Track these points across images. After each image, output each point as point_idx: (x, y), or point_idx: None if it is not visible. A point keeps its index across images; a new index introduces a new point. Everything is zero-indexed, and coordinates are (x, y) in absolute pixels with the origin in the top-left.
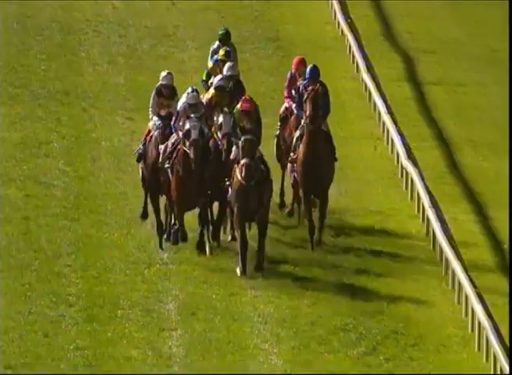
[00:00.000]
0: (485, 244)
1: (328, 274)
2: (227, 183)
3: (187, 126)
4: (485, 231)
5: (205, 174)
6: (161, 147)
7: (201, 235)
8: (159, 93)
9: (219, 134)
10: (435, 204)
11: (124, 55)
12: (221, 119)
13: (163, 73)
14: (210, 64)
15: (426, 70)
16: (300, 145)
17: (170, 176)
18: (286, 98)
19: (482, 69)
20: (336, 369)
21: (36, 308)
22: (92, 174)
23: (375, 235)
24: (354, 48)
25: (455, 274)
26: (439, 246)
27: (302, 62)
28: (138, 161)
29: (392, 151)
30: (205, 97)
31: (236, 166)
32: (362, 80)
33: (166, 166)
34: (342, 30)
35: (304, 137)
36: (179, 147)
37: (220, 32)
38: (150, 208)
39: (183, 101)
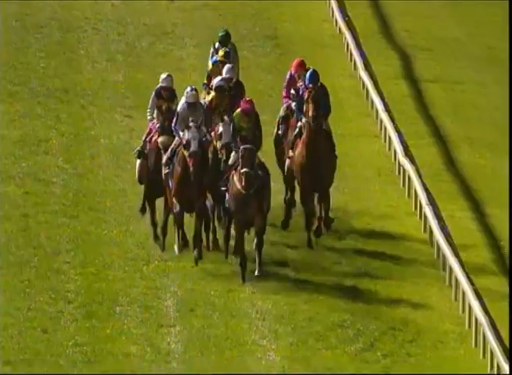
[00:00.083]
0: (482, 241)
1: (326, 271)
2: (224, 188)
3: (187, 136)
4: (482, 228)
5: (204, 180)
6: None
7: (196, 239)
8: (159, 95)
9: (219, 144)
10: (432, 201)
11: (123, 52)
12: (221, 128)
13: (163, 75)
14: (210, 66)
15: (423, 68)
16: (300, 144)
17: (170, 181)
18: (285, 97)
19: (480, 67)
20: (334, 365)
21: (35, 305)
22: (91, 171)
23: (373, 232)
24: (352, 45)
25: (452, 271)
26: (437, 243)
27: (302, 65)
28: (139, 158)
29: (389, 149)
30: (205, 99)
31: (233, 172)
32: (360, 77)
33: (166, 171)
34: (339, 28)
35: (304, 136)
36: (178, 150)
37: (220, 33)
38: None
39: (182, 102)
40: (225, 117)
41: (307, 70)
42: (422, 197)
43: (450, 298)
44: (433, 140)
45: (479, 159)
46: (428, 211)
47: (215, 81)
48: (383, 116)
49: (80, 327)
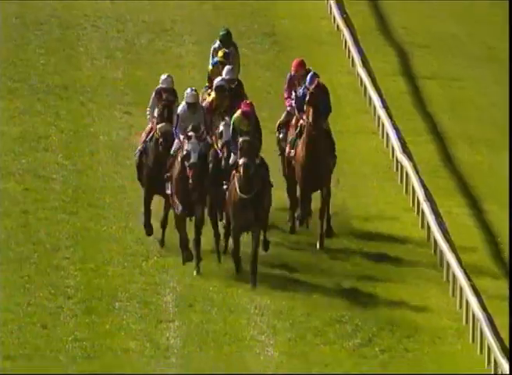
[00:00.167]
0: (479, 237)
1: (324, 267)
2: (225, 186)
3: (187, 147)
4: (479, 224)
5: (204, 183)
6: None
7: (197, 243)
8: (159, 96)
9: (219, 143)
10: (429, 197)
11: (122, 49)
12: (221, 127)
13: (163, 76)
14: (210, 67)
15: (421, 65)
16: (300, 144)
17: (169, 186)
18: (286, 99)
19: (477, 64)
20: (332, 360)
21: (35, 301)
22: (90, 168)
23: (370, 228)
24: (350, 42)
25: (449, 267)
26: (434, 239)
27: (301, 65)
28: (140, 158)
29: (387, 146)
30: (206, 101)
31: (234, 172)
32: (357, 74)
33: (166, 175)
34: (337, 25)
35: (304, 135)
36: (179, 154)
37: (221, 32)
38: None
39: (182, 103)
40: (226, 118)
41: (306, 70)
42: (420, 193)
43: (448, 294)
44: (431, 136)
45: (476, 156)
46: (425, 207)
47: (215, 81)
48: (381, 112)
49: (80, 323)
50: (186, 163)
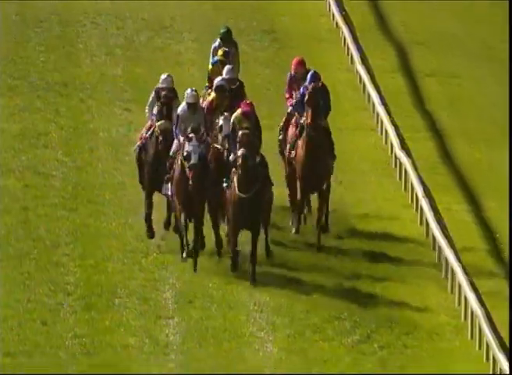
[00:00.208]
0: (477, 233)
1: (323, 264)
2: (225, 184)
3: (187, 148)
4: (477, 221)
5: (205, 184)
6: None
7: (195, 244)
8: (158, 95)
9: (220, 137)
10: (428, 194)
11: (121, 46)
12: (221, 121)
13: (163, 76)
14: (210, 67)
15: (420, 62)
16: (299, 144)
17: (169, 187)
18: (288, 99)
19: (476, 62)
20: (331, 356)
21: (34, 297)
22: (90, 164)
23: (369, 225)
24: (349, 40)
25: (448, 263)
26: (433, 235)
27: (301, 64)
28: (139, 154)
29: (386, 142)
30: (206, 100)
31: (234, 170)
32: (356, 71)
33: (166, 176)
34: (336, 23)
35: (304, 135)
36: (179, 156)
37: (221, 30)
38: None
39: (182, 104)
40: (226, 113)
41: (307, 70)
42: (418, 190)
43: (446, 291)
44: (429, 133)
45: (475, 153)
46: (424, 204)
47: (216, 81)
48: (380, 109)
49: (79, 319)
50: (187, 164)
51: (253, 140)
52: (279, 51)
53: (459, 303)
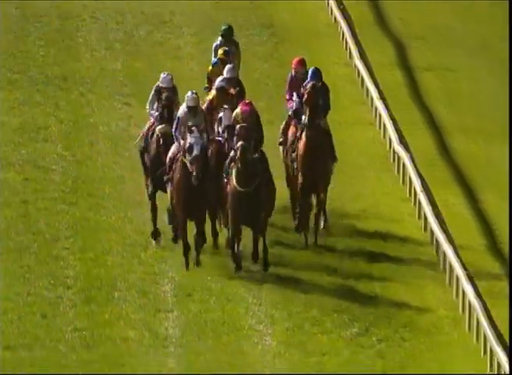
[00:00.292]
0: (475, 226)
1: (321, 258)
2: (224, 180)
3: (189, 140)
4: (475, 214)
5: (206, 183)
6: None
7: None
8: (158, 94)
9: (220, 129)
10: (426, 188)
11: (121, 41)
12: (221, 113)
13: (162, 75)
14: (210, 68)
15: (418, 57)
16: (299, 145)
17: (170, 187)
18: (288, 100)
19: (474, 56)
20: (329, 349)
21: (34, 290)
22: (90, 158)
23: (368, 218)
24: (347, 34)
25: (446, 256)
26: (431, 229)
27: (301, 63)
28: (142, 153)
29: (384, 136)
30: (207, 99)
31: (233, 165)
32: (355, 66)
33: (165, 178)
34: (335, 17)
35: (303, 135)
36: (178, 157)
37: (223, 27)
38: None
39: (183, 106)
40: (225, 106)
41: (307, 70)
42: (416, 184)
43: (444, 284)
44: (427, 128)
45: (473, 147)
46: (422, 197)
47: (217, 81)
48: (378, 103)
49: (79, 312)
50: (189, 157)
51: (251, 133)
52: (278, 46)
53: (457, 296)
